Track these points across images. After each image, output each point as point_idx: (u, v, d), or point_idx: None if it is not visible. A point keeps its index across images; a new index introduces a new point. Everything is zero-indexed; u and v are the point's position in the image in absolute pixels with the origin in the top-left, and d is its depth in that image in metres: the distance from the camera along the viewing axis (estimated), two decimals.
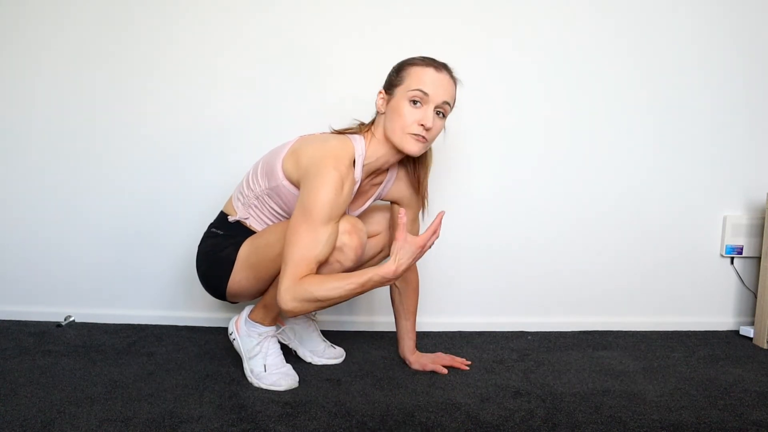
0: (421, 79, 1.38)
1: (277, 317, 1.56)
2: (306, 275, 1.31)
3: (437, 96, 1.38)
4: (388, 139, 1.44)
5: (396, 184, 1.61)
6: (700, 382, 1.60)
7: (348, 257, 1.40)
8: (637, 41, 2.03)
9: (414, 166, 1.58)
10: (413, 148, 1.41)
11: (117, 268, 2.01)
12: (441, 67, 1.41)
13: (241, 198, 1.54)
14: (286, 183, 1.44)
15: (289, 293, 1.30)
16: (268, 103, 1.96)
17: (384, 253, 1.66)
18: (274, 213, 1.52)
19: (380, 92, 1.46)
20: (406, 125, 1.39)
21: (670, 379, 1.62)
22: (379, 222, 1.65)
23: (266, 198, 1.49)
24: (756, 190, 2.11)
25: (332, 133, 1.51)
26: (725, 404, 1.46)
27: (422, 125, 1.38)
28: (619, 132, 2.06)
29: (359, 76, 1.94)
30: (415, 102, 1.38)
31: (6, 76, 1.95)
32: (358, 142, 1.45)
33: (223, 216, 1.58)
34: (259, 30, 1.95)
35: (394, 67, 1.46)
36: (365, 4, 1.96)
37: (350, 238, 1.38)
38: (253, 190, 1.51)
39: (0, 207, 1.99)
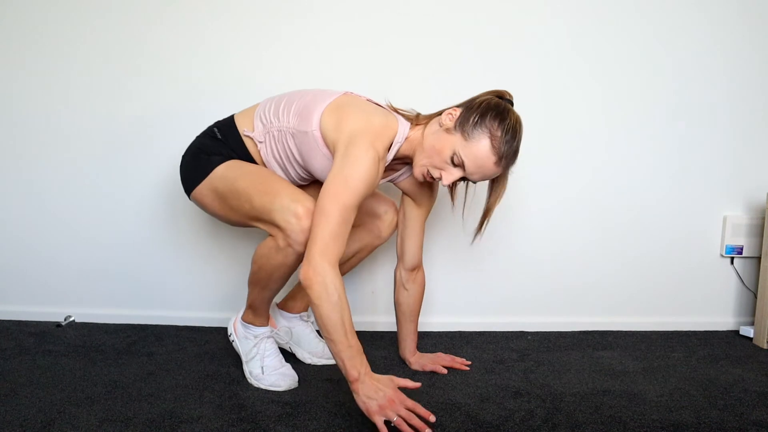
0: (476, 159, 1.30)
1: (269, 319, 1.56)
2: (336, 265, 1.25)
3: (472, 177, 1.34)
4: (419, 146, 1.39)
5: (412, 177, 1.57)
6: (700, 382, 1.60)
7: (297, 241, 1.33)
8: (638, 42, 2.03)
9: None
10: (417, 175, 1.39)
11: (117, 268, 2.01)
12: (506, 161, 1.32)
13: (264, 119, 1.47)
14: (317, 134, 1.38)
15: (317, 272, 1.23)
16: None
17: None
18: (288, 153, 1.46)
19: (453, 110, 1.36)
20: (432, 164, 1.35)
21: (670, 379, 1.62)
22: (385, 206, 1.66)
23: (288, 136, 1.44)
24: (756, 190, 2.11)
25: (385, 106, 1.45)
26: (725, 404, 1.46)
27: (440, 178, 1.34)
28: (619, 131, 2.06)
29: (357, 75, 1.95)
30: (455, 162, 1.32)
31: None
32: (403, 126, 1.40)
33: (231, 123, 1.51)
34: (258, 27, 1.95)
35: (483, 108, 1.32)
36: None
37: (298, 222, 1.32)
38: (279, 121, 1.44)
39: (0, 207, 2.00)
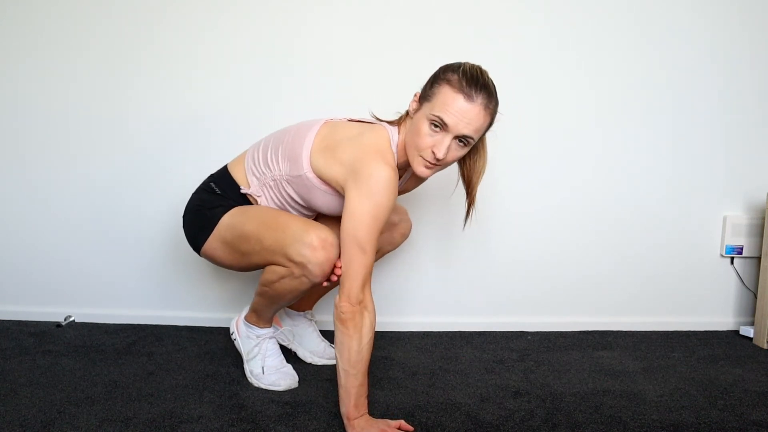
0: (446, 105, 1.25)
1: (273, 319, 1.56)
2: (368, 303, 1.27)
3: (457, 128, 1.25)
4: (406, 145, 1.35)
5: (412, 178, 1.56)
6: (700, 382, 1.60)
7: (313, 273, 1.33)
8: (637, 42, 2.03)
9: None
10: (420, 170, 1.32)
11: (117, 268, 2.01)
12: (476, 94, 1.25)
13: (256, 173, 1.47)
14: (311, 176, 1.38)
15: (360, 307, 1.25)
16: (264, 102, 1.96)
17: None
18: (288, 198, 1.46)
19: (416, 94, 1.34)
20: (420, 147, 1.29)
21: (670, 379, 1.63)
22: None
23: (284, 183, 1.44)
24: (756, 190, 2.11)
25: (365, 122, 1.43)
26: (725, 404, 1.46)
27: (434, 153, 1.28)
28: (619, 132, 2.05)
29: (354, 74, 1.95)
30: (435, 125, 1.27)
31: None
32: (392, 132, 1.37)
33: (226, 175, 1.51)
34: (256, 26, 1.95)
35: (434, 73, 1.32)
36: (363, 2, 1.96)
37: (314, 254, 1.31)
38: (271, 170, 1.44)
39: (0, 207, 2.00)
